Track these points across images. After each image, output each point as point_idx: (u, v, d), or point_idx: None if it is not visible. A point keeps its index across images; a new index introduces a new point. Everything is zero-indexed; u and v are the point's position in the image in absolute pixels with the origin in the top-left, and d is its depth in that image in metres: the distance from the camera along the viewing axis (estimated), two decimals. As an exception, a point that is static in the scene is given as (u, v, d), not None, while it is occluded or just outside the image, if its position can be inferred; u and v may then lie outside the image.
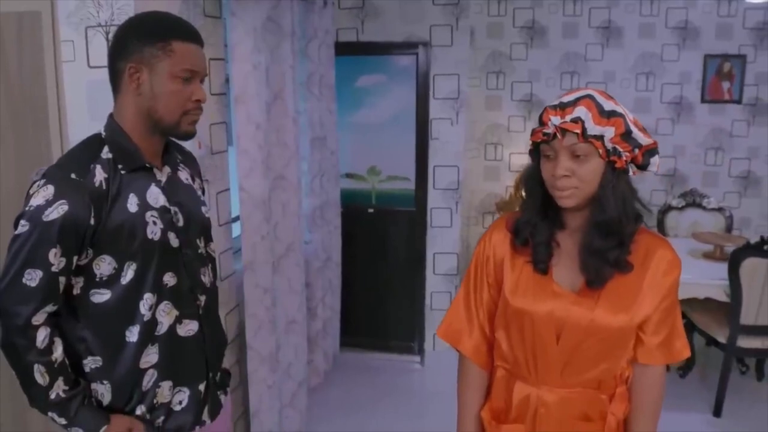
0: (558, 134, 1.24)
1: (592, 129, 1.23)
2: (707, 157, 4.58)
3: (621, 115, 1.27)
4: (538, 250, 1.36)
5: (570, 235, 1.37)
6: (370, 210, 3.96)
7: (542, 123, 1.28)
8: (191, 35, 1.38)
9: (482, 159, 4.78)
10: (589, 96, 1.27)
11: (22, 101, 2.06)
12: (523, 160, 4.75)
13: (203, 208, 1.56)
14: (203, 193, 1.63)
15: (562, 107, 1.26)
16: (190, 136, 1.44)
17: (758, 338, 3.28)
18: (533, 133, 1.31)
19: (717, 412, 3.33)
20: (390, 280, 4.03)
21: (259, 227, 2.57)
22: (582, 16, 4.49)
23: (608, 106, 1.27)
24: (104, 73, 1.94)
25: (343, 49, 3.62)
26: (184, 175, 1.53)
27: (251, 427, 2.68)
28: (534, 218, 1.36)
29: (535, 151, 1.35)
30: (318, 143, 3.33)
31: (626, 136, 1.27)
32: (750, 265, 3.16)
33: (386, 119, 3.82)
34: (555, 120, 1.25)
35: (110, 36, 1.58)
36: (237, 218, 2.72)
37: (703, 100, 4.48)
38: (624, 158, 1.28)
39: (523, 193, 1.45)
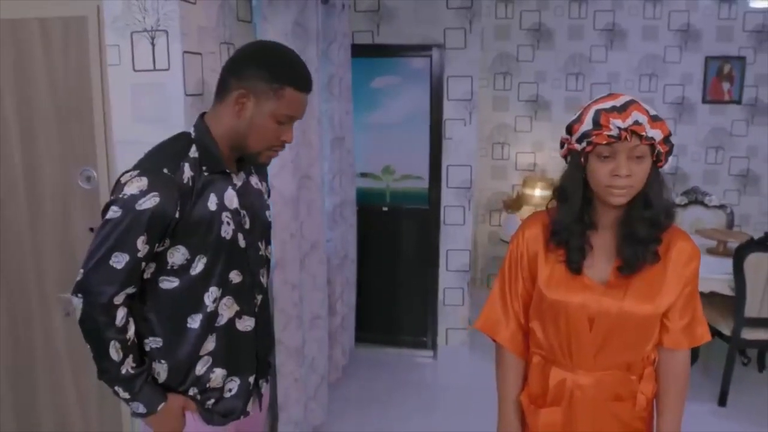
0: (627, 137, 1.31)
1: (649, 131, 1.32)
2: (708, 156, 4.71)
3: (663, 120, 1.37)
4: (573, 253, 1.45)
5: (600, 233, 1.46)
6: (385, 208, 4.05)
7: (599, 126, 1.33)
8: (305, 85, 1.45)
9: (489, 158, 4.88)
10: (635, 101, 1.36)
11: (67, 103, 2.13)
12: (529, 159, 4.87)
13: (267, 212, 1.65)
14: (268, 196, 1.71)
15: (619, 111, 1.33)
16: (263, 164, 1.57)
17: (762, 330, 3.40)
18: (588, 135, 1.35)
19: (722, 401, 3.45)
20: (403, 277, 4.12)
21: (288, 225, 2.65)
22: (587, 19, 4.61)
23: (652, 111, 1.37)
24: (148, 77, 2.05)
25: (358, 51, 3.70)
26: (254, 179, 1.61)
27: (279, 419, 2.77)
28: (571, 223, 1.44)
29: (574, 156, 1.43)
30: (337, 143, 3.41)
31: (667, 138, 1.37)
32: (754, 260, 3.28)
33: (400, 120, 3.91)
34: (618, 123, 1.31)
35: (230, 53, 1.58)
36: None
37: (704, 101, 4.61)
38: (663, 158, 1.39)
39: (556, 198, 1.50)
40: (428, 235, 4.04)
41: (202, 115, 1.50)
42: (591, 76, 4.69)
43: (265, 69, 1.40)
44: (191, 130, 1.48)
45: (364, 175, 4.00)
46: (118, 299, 1.35)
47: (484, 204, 4.93)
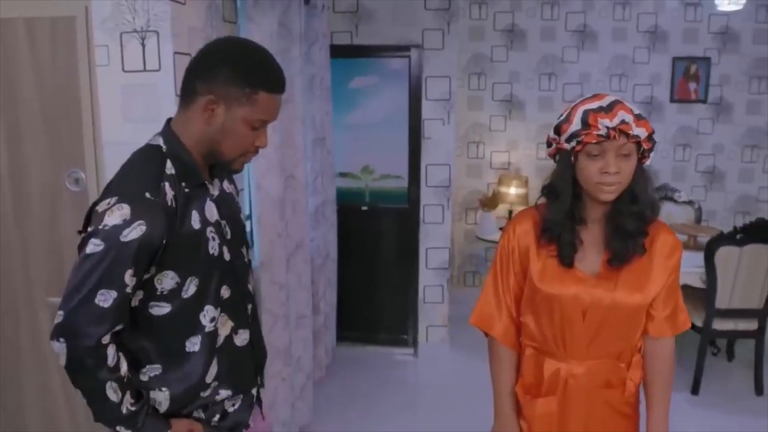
0: (615, 136, 1.38)
1: (635, 130, 1.39)
2: (676, 154, 4.87)
3: (646, 118, 1.44)
4: (564, 248, 1.51)
5: (589, 227, 1.53)
6: (364, 207, 4.08)
7: (588, 126, 1.39)
8: (279, 87, 1.36)
9: (465, 157, 4.95)
10: (620, 101, 1.42)
11: (55, 104, 2.10)
12: (504, 158, 4.95)
13: (241, 215, 1.57)
14: (237, 194, 1.63)
15: (606, 111, 1.39)
16: (236, 172, 1.46)
17: (731, 320, 3.54)
18: (577, 135, 1.41)
19: (695, 390, 3.59)
20: (383, 275, 4.16)
21: (275, 225, 2.66)
22: (559, 20, 4.71)
23: (635, 109, 1.43)
24: (138, 78, 2.05)
25: (337, 51, 3.73)
26: (225, 183, 1.52)
27: (268, 420, 2.77)
28: (562, 219, 1.50)
29: (563, 155, 1.48)
30: (319, 143, 3.43)
31: (650, 136, 1.44)
32: (724, 254, 3.41)
33: (379, 120, 3.95)
34: (606, 122, 1.38)
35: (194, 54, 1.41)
36: (248, 216, 2.80)
37: (671, 100, 4.75)
38: (647, 155, 1.46)
39: (546, 195, 1.56)
40: (408, 233, 4.08)
41: (168, 122, 1.39)
42: (563, 76, 4.79)
43: (236, 72, 1.29)
44: (158, 141, 1.35)
45: (343, 174, 4.03)
46: (106, 339, 1.24)
47: (459, 202, 4.99)
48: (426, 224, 4.05)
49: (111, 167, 2.10)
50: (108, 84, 2.04)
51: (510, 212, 4.80)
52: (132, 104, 2.05)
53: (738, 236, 3.38)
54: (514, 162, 4.95)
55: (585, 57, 4.75)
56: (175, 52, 2.02)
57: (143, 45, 2.03)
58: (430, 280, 4.12)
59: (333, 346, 3.98)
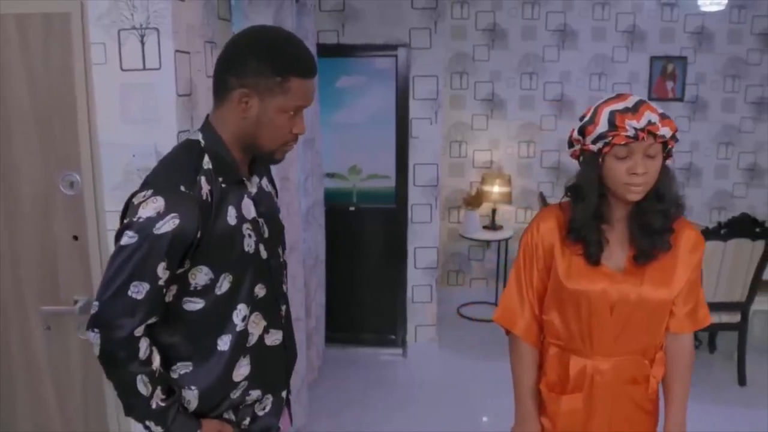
0: (644, 137, 1.38)
1: (661, 130, 1.39)
2: (654, 151, 4.95)
3: (669, 117, 1.45)
4: (591, 247, 1.52)
5: (614, 226, 1.54)
6: (351, 208, 4.05)
7: (615, 128, 1.40)
8: (310, 71, 1.33)
9: (447, 156, 4.95)
10: (644, 101, 1.43)
11: (48, 103, 2.02)
12: (486, 156, 4.98)
13: (280, 215, 1.57)
14: (277, 196, 1.63)
15: (632, 112, 1.40)
16: (278, 162, 1.44)
17: (716, 313, 3.61)
18: (604, 136, 1.42)
19: (681, 382, 3.65)
20: (372, 276, 4.14)
21: (272, 226, 2.61)
22: (539, 20, 4.75)
23: (659, 109, 1.44)
24: (137, 76, 1.98)
25: (324, 51, 3.68)
26: (264, 182, 1.51)
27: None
28: (589, 220, 1.51)
29: (589, 157, 1.49)
30: (309, 144, 3.39)
31: (674, 135, 1.45)
32: (709, 248, 3.42)
33: (366, 119, 3.92)
34: (633, 124, 1.38)
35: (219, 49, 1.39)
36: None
37: (650, 98, 4.82)
38: (671, 154, 1.48)
39: (571, 196, 1.57)
40: (396, 233, 4.06)
41: (207, 118, 1.38)
42: (544, 75, 4.84)
43: (265, 62, 1.27)
44: (197, 136, 1.36)
45: (330, 175, 3.99)
46: (139, 331, 1.25)
47: (443, 201, 4.99)
48: (414, 224, 4.04)
49: (108, 169, 2.04)
50: (105, 83, 1.98)
51: (494, 210, 4.83)
52: (130, 104, 1.98)
53: (722, 231, 3.46)
54: (496, 160, 4.98)
55: (565, 56, 4.80)
56: (176, 51, 1.96)
57: (143, 43, 1.96)
58: (419, 279, 4.11)
59: (323, 347, 3.94)
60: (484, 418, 3.40)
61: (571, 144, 1.56)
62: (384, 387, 3.72)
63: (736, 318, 3.64)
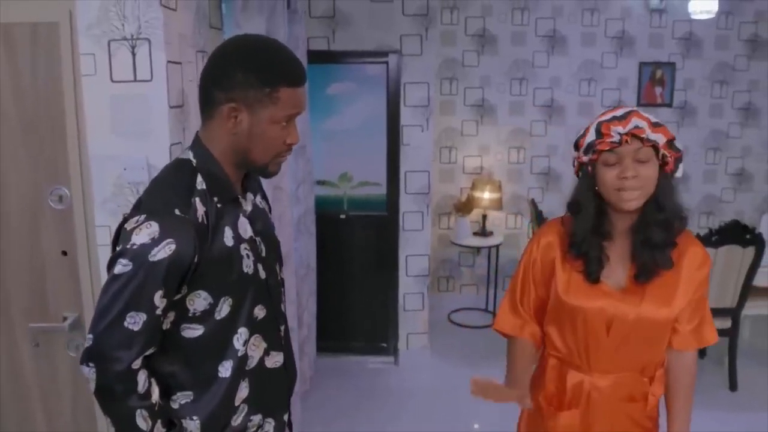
0: (627, 140, 1.38)
1: (651, 135, 1.39)
2: (643, 156, 4.97)
3: (665, 126, 1.44)
4: (591, 264, 1.51)
5: (615, 242, 1.52)
6: (342, 216, 4.01)
7: (601, 135, 1.41)
8: (299, 79, 1.28)
9: (438, 162, 4.94)
10: (635, 110, 1.43)
11: (36, 115, 1.97)
12: (476, 162, 4.97)
13: (275, 231, 1.52)
14: (270, 211, 1.58)
15: (619, 120, 1.40)
16: (272, 175, 1.38)
17: (707, 320, 3.63)
18: (592, 145, 1.43)
19: (672, 388, 3.66)
20: (363, 284, 4.10)
21: (265, 238, 2.57)
22: (529, 26, 4.76)
23: (653, 118, 1.43)
24: (128, 88, 1.94)
25: (314, 57, 3.65)
26: (258, 199, 1.46)
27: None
28: (588, 235, 1.50)
29: (583, 169, 1.50)
30: (300, 152, 3.35)
31: (671, 143, 1.44)
32: (700, 255, 3.49)
33: (357, 126, 3.89)
34: (618, 129, 1.39)
35: (205, 59, 1.34)
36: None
37: (639, 104, 4.86)
38: (669, 163, 1.46)
39: (570, 211, 1.56)
40: (387, 241, 4.03)
41: (196, 135, 1.33)
42: (534, 81, 4.84)
43: (252, 74, 1.22)
44: (188, 155, 1.30)
45: (321, 182, 3.95)
46: (137, 363, 1.18)
47: (433, 208, 4.97)
48: (406, 231, 4.01)
49: (98, 183, 1.99)
50: (95, 95, 1.93)
51: (484, 216, 4.82)
52: (121, 116, 1.94)
53: (713, 238, 3.47)
54: (486, 166, 4.97)
55: (555, 62, 4.81)
56: (168, 61, 1.93)
57: (134, 54, 1.92)
58: (411, 287, 4.08)
59: (314, 357, 3.90)
60: (476, 425, 3.38)
61: (573, 162, 1.56)
62: (376, 395, 3.70)
63: (727, 324, 3.65)
